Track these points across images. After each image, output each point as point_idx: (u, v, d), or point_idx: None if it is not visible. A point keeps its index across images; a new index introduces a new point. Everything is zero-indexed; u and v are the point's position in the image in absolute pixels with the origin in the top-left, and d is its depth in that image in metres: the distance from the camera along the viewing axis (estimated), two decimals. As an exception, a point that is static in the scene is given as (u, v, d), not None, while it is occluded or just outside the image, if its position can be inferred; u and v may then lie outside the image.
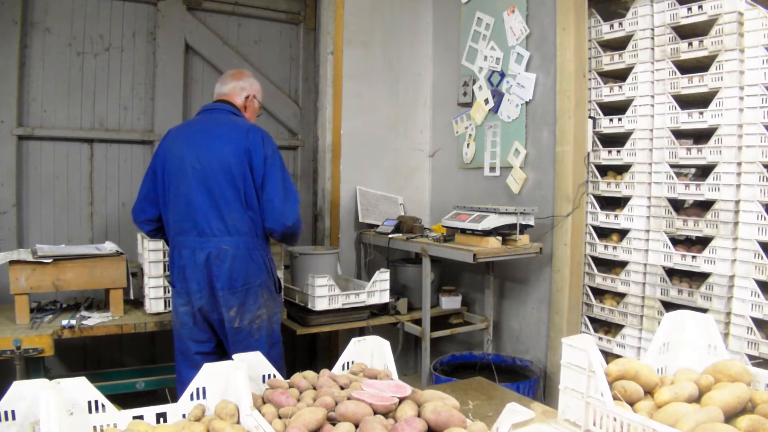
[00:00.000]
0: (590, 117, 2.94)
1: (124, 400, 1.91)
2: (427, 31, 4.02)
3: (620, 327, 2.80)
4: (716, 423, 1.09)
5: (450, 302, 3.46)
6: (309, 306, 2.88)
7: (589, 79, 2.94)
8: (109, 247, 2.72)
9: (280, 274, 2.73)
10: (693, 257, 2.49)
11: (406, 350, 3.80)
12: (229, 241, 2.27)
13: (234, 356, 1.39)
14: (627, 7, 2.75)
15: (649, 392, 1.26)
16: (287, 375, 1.47)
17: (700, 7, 2.43)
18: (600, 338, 2.87)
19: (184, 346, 2.39)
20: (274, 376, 1.44)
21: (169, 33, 3.33)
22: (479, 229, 2.86)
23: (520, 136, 3.27)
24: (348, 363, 1.51)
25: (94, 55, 3.19)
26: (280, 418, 1.22)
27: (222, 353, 2.40)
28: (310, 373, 1.43)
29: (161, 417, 1.24)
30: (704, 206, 2.48)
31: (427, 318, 3.11)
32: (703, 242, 2.49)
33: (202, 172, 2.28)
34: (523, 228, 2.97)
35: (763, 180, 2.25)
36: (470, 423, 1.19)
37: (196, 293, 2.29)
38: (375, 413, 1.20)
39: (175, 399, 1.29)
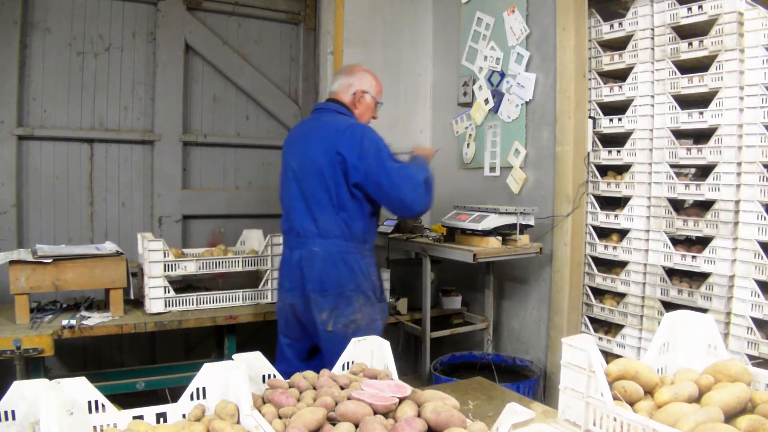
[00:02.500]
0: (590, 117, 2.94)
1: (124, 400, 1.91)
2: (427, 31, 4.02)
3: (620, 327, 2.80)
4: (716, 423, 1.09)
5: (450, 302, 3.46)
6: (309, 306, 2.87)
7: (589, 79, 2.94)
8: (109, 247, 2.72)
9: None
10: (693, 257, 2.49)
11: (406, 350, 3.79)
12: (320, 244, 2.26)
13: (234, 356, 1.38)
14: (627, 7, 2.75)
15: (649, 392, 1.26)
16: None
17: (700, 7, 2.43)
18: (600, 338, 2.87)
19: (279, 337, 2.46)
20: (274, 376, 1.44)
21: (169, 33, 3.33)
22: (479, 229, 2.86)
23: (520, 136, 3.27)
24: (348, 363, 1.51)
25: (94, 55, 3.19)
26: (280, 418, 1.22)
27: (313, 352, 2.41)
28: (310, 373, 1.43)
29: (161, 417, 1.24)
30: (704, 206, 2.48)
31: (427, 318, 3.11)
32: (703, 242, 2.49)
33: (298, 173, 2.31)
34: (523, 228, 2.97)
35: (763, 180, 2.25)
36: (470, 423, 1.19)
37: (289, 292, 2.33)
38: (375, 413, 1.20)
39: (175, 399, 1.29)
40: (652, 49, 2.64)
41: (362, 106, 2.44)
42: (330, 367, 2.30)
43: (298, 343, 2.41)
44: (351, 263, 2.27)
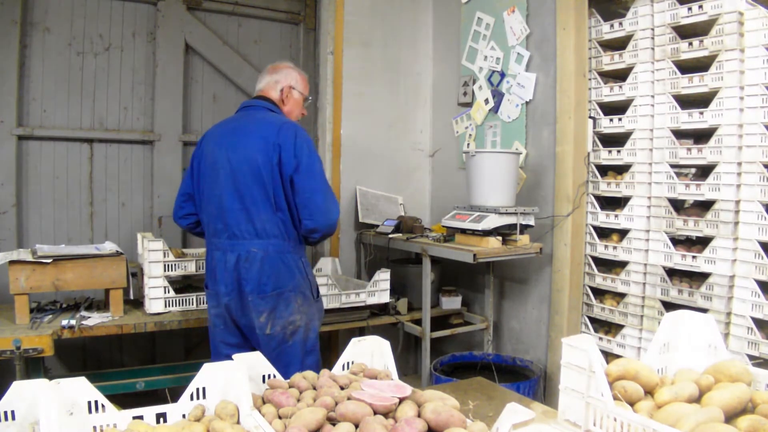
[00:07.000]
0: (590, 117, 2.94)
1: (124, 400, 1.91)
2: (427, 31, 4.02)
3: (620, 327, 2.79)
4: (716, 423, 1.09)
5: (450, 302, 3.46)
6: (309, 306, 2.87)
7: (589, 79, 2.94)
8: (109, 247, 2.72)
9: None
10: (693, 257, 2.49)
11: (406, 350, 3.80)
12: (258, 244, 2.20)
13: (234, 356, 1.38)
14: (627, 7, 2.75)
15: (649, 392, 1.26)
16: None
17: (701, 7, 2.43)
18: (600, 338, 2.87)
19: (216, 346, 2.36)
20: (274, 376, 1.44)
21: (169, 33, 3.33)
22: (479, 229, 2.86)
23: (520, 136, 3.27)
24: (348, 363, 1.51)
25: (94, 55, 3.19)
26: (280, 418, 1.22)
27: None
28: (310, 373, 1.43)
29: (161, 417, 1.24)
30: (704, 206, 2.48)
31: (427, 318, 3.11)
32: (703, 242, 2.49)
33: (231, 172, 2.22)
34: (523, 228, 2.97)
35: (763, 180, 2.25)
36: (470, 423, 1.19)
37: (225, 296, 2.24)
38: (375, 413, 1.20)
39: (175, 399, 1.29)
40: (653, 49, 2.64)
41: (290, 102, 2.42)
42: None
43: (238, 349, 2.27)
44: (289, 263, 2.23)
